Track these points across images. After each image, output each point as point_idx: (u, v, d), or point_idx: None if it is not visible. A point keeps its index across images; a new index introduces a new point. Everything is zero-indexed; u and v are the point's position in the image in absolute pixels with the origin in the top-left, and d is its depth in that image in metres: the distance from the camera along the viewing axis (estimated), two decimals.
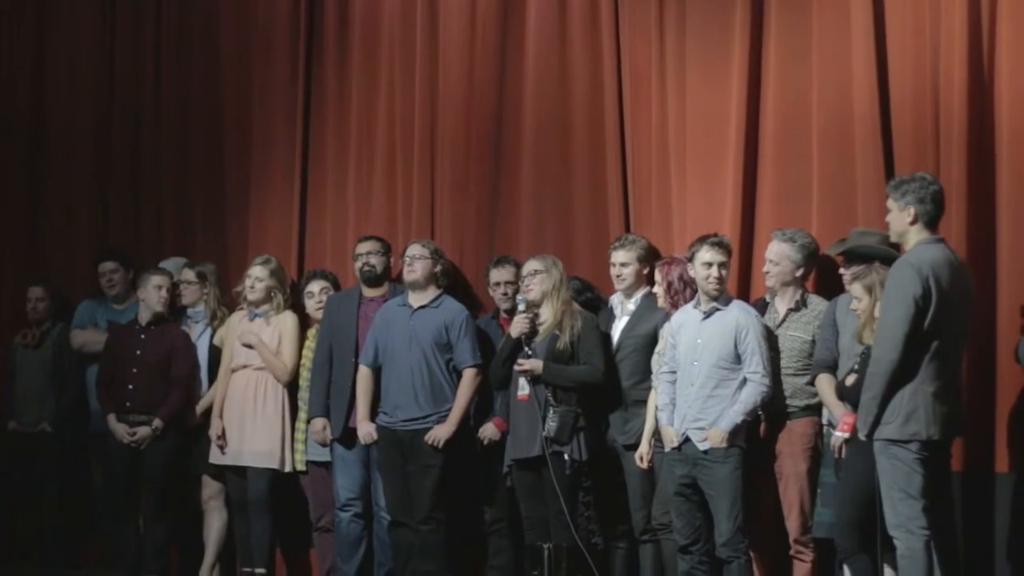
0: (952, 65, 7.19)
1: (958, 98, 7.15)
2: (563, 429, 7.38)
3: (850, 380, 6.62)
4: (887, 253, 6.73)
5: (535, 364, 7.48)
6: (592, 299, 7.87)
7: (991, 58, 7.18)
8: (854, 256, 6.96)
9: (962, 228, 7.08)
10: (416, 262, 7.97)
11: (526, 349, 7.54)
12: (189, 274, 8.89)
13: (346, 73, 9.18)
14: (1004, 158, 7.12)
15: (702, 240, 7.14)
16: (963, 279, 6.30)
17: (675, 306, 7.32)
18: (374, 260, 8.30)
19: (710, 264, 7.07)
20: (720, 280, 7.08)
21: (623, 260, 7.67)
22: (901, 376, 6.12)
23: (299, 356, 8.48)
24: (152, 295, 8.72)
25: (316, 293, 8.50)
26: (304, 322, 8.59)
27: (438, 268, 8.06)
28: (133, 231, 9.89)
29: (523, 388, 7.55)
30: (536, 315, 7.60)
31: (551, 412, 7.41)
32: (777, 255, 7.26)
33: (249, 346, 8.40)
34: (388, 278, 8.38)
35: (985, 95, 7.17)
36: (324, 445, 8.20)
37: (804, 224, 7.50)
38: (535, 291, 7.60)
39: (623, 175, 8.23)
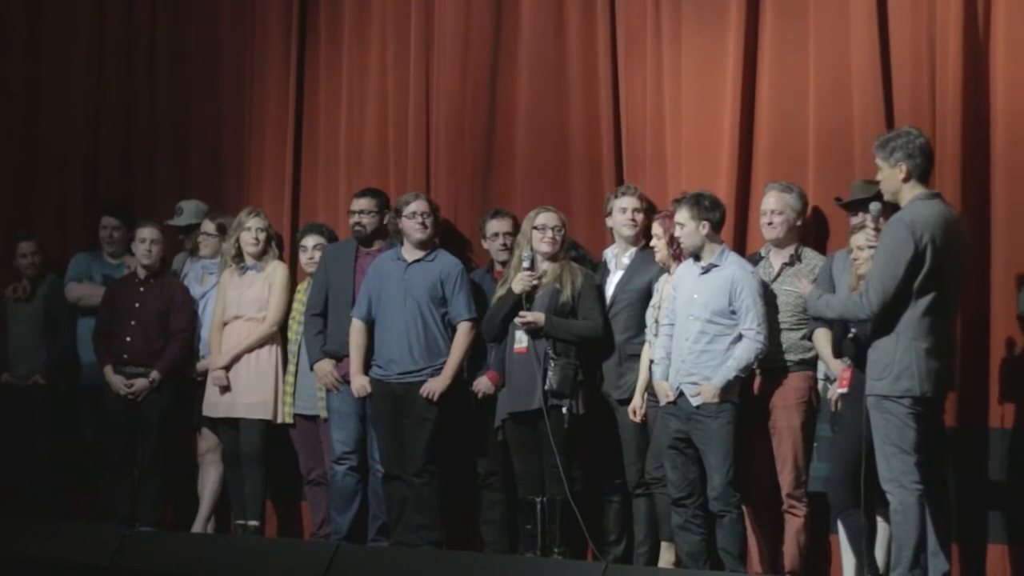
0: (948, 16, 7.15)
1: (953, 45, 7.11)
2: (565, 382, 7.36)
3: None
4: None
5: (538, 316, 7.46)
6: (578, 258, 7.84)
7: (987, 10, 7.13)
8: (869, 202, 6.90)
9: (957, 185, 7.05)
10: (428, 219, 7.95)
11: (526, 305, 7.51)
12: (209, 226, 8.89)
13: (339, 24, 9.15)
14: (999, 115, 7.08)
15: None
16: (959, 234, 6.26)
17: (677, 259, 7.30)
18: (366, 220, 8.26)
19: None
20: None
21: (635, 206, 7.65)
22: (891, 330, 6.13)
23: (287, 308, 8.49)
24: (137, 248, 8.75)
25: (309, 248, 8.48)
26: (295, 275, 8.61)
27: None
28: (125, 183, 9.88)
29: (521, 341, 7.53)
30: (543, 273, 7.56)
31: (552, 365, 7.40)
32: (781, 204, 7.24)
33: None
34: (382, 235, 8.33)
35: (981, 41, 7.13)
36: (336, 389, 8.16)
37: (801, 178, 7.48)
38: (558, 243, 7.55)
39: (616, 129, 8.19)
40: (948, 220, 6.20)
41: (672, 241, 7.29)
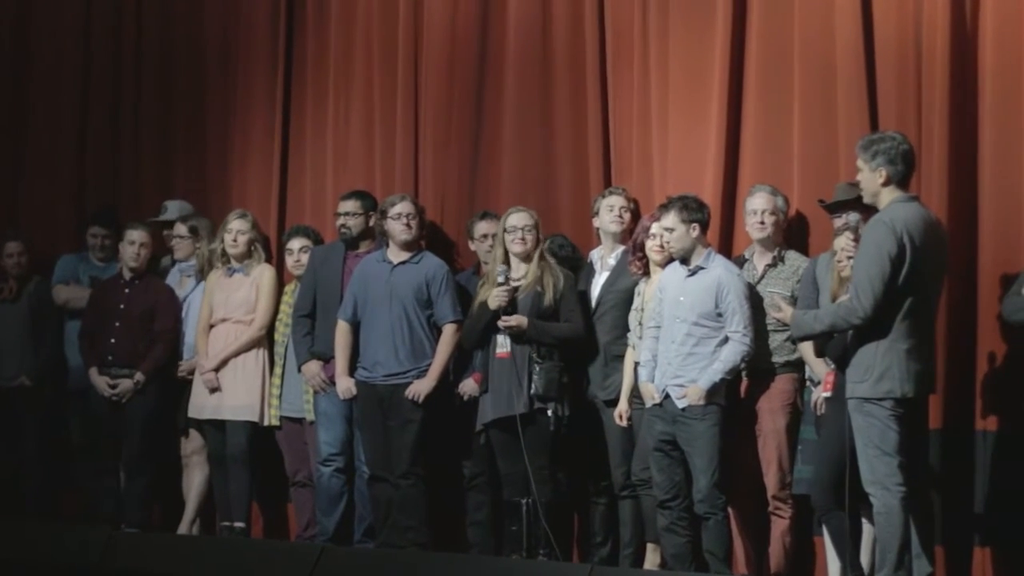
0: (935, 13, 7.14)
1: (940, 48, 7.10)
2: (551, 385, 7.36)
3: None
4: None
5: (521, 320, 7.45)
6: (572, 257, 7.84)
7: (974, 7, 7.13)
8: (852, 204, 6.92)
9: (944, 185, 7.04)
10: (413, 220, 7.94)
11: (504, 318, 7.50)
12: (181, 228, 8.90)
13: (325, 25, 9.14)
14: (987, 109, 7.07)
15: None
16: (937, 236, 6.26)
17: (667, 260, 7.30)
18: (351, 222, 8.25)
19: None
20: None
21: (622, 204, 7.67)
22: (872, 333, 6.11)
23: (275, 310, 8.49)
24: (126, 251, 8.73)
25: (295, 251, 8.47)
26: (281, 278, 8.60)
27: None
28: (112, 184, 9.88)
29: (503, 346, 7.52)
30: (518, 286, 7.53)
31: (537, 369, 7.39)
32: (771, 205, 7.26)
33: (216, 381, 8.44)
34: (368, 236, 8.31)
35: (968, 45, 7.12)
36: (323, 390, 8.14)
37: (786, 178, 7.49)
38: (529, 244, 7.53)
39: (604, 129, 8.19)
40: (927, 221, 6.19)
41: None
